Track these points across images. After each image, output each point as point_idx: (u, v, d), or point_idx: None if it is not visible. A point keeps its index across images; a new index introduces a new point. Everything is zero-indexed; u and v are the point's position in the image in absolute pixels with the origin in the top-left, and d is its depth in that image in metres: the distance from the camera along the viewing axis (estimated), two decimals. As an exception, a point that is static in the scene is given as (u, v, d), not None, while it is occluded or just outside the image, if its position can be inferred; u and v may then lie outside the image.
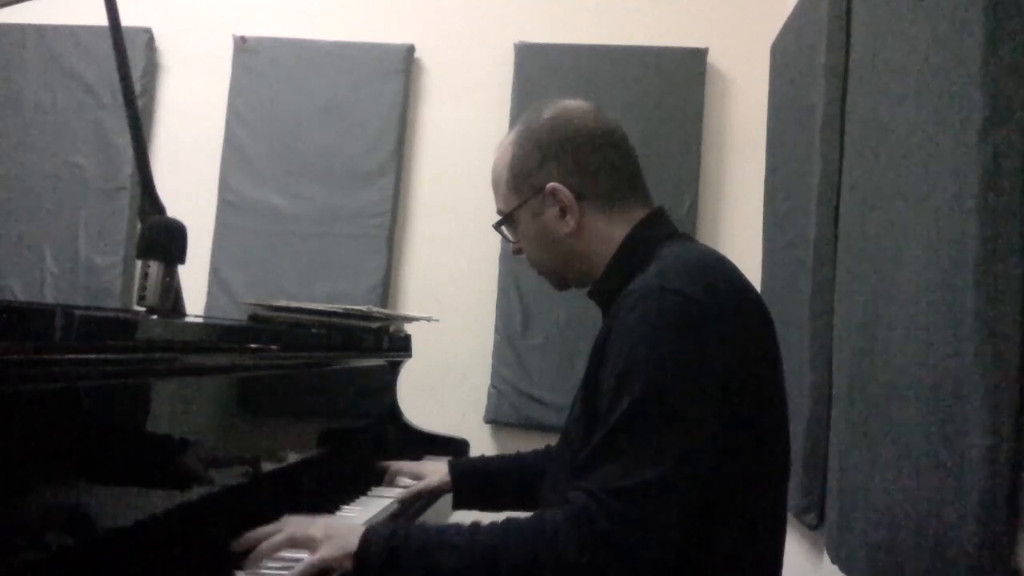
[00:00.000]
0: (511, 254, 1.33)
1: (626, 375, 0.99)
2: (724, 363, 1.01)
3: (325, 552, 1.01)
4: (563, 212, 1.17)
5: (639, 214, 1.19)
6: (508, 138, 1.25)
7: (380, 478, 1.59)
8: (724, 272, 1.09)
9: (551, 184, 1.17)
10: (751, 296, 1.11)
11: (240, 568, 1.04)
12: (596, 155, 1.18)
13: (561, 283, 1.27)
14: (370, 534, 1.01)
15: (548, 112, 1.21)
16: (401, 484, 1.56)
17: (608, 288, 1.16)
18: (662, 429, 0.97)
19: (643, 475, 0.94)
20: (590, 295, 1.24)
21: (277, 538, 1.05)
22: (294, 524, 1.07)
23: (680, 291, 1.01)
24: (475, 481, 1.51)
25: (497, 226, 1.28)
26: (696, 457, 0.98)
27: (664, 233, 1.18)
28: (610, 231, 1.18)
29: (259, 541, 1.05)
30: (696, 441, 0.98)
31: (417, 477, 1.55)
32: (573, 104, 1.22)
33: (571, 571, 0.94)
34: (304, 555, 1.02)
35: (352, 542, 1.00)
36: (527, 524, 0.99)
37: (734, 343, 1.02)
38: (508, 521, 1.01)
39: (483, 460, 1.61)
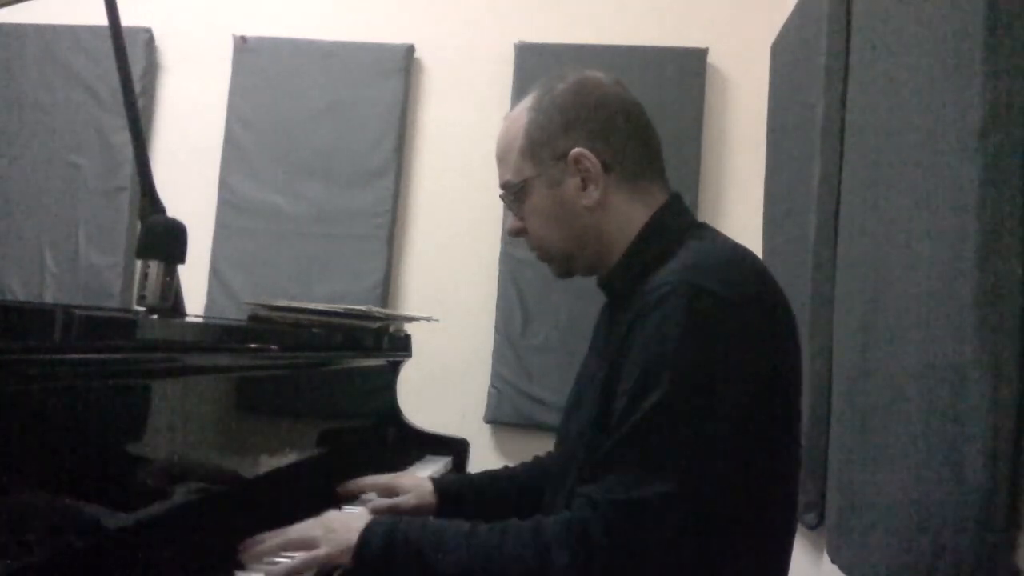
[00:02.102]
0: (508, 235, 1.20)
1: (647, 377, 0.92)
2: (753, 370, 0.94)
3: (324, 549, 1.00)
4: (585, 183, 1.08)
5: (660, 198, 1.10)
6: (522, 104, 1.14)
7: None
8: (754, 271, 1.02)
9: (577, 150, 1.07)
10: (780, 297, 1.03)
11: (240, 568, 1.04)
12: (625, 126, 1.09)
13: (566, 268, 1.16)
14: (369, 531, 1.00)
15: (572, 77, 1.11)
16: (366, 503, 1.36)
17: (626, 277, 1.08)
18: (677, 440, 0.91)
19: (649, 489, 0.89)
20: (601, 284, 1.16)
21: (276, 540, 1.03)
22: (297, 527, 1.06)
23: (712, 290, 0.93)
24: (464, 500, 1.34)
25: (507, 199, 1.15)
26: (710, 473, 0.91)
27: (686, 223, 1.10)
28: (631, 211, 1.09)
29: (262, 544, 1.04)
30: (712, 456, 0.91)
31: (390, 493, 1.36)
32: (597, 73, 1.13)
33: None
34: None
35: (352, 538, 1.00)
36: (524, 528, 0.96)
37: (764, 348, 0.96)
38: (507, 524, 0.98)
39: (471, 477, 1.46)
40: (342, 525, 1.03)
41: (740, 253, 1.04)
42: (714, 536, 0.93)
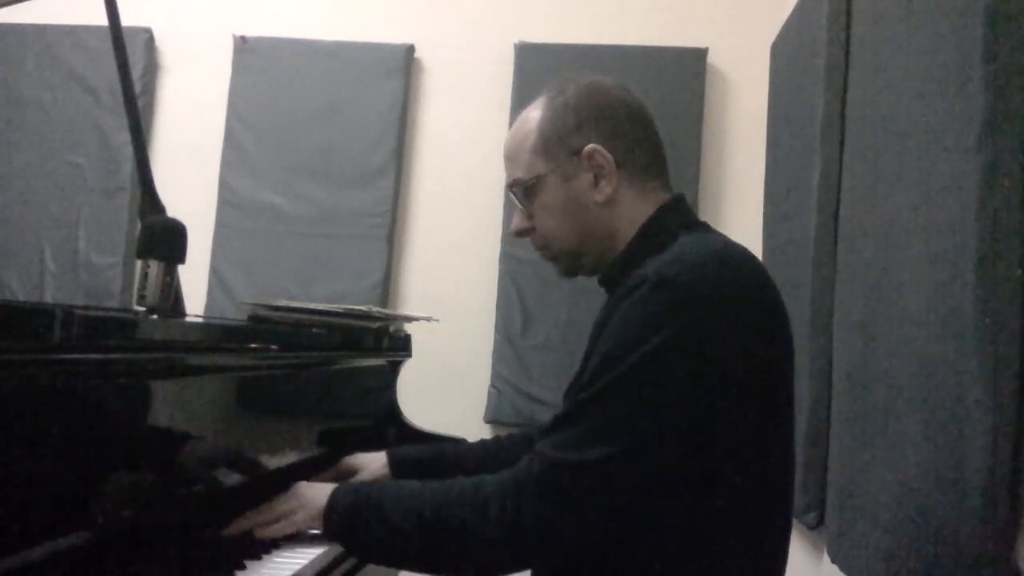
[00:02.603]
0: (513, 235, 1.22)
1: (609, 358, 0.96)
2: (716, 364, 0.96)
3: (299, 517, 1.11)
4: (597, 179, 1.10)
5: (664, 196, 1.14)
6: (532, 105, 1.16)
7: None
8: (743, 268, 1.03)
9: (591, 146, 1.09)
10: (769, 294, 1.04)
11: (241, 568, 1.04)
12: (634, 127, 1.13)
13: (572, 266, 1.18)
14: (335, 495, 1.08)
15: (582, 80, 1.15)
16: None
17: (622, 271, 1.09)
18: (626, 413, 0.94)
19: (590, 452, 0.93)
20: (601, 282, 1.17)
21: (259, 516, 1.13)
22: (274, 502, 1.15)
23: (690, 283, 0.96)
24: (418, 472, 1.38)
25: (517, 196, 1.16)
26: (642, 453, 0.94)
27: (685, 221, 1.12)
28: (638, 208, 1.11)
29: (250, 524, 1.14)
30: (648, 438, 0.94)
31: (350, 472, 1.47)
32: (606, 78, 1.17)
33: (490, 526, 0.95)
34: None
35: (321, 504, 1.08)
36: (467, 484, 1.01)
37: (732, 343, 0.97)
38: (456, 481, 1.03)
39: (426, 450, 1.53)
40: (314, 494, 1.13)
41: (728, 249, 1.05)
42: (709, 516, 0.97)
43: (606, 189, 1.10)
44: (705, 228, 1.13)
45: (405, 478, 1.37)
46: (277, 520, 1.13)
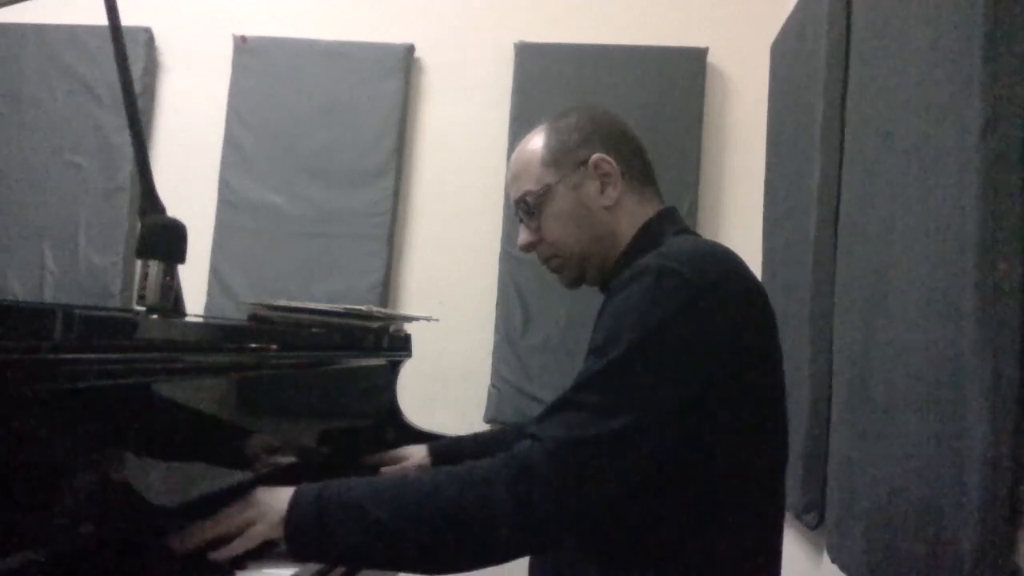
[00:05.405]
0: (521, 250, 1.27)
1: (608, 339, 1.00)
2: (714, 348, 1.00)
3: (260, 526, 0.98)
4: (603, 186, 1.19)
5: (658, 206, 1.23)
6: (535, 130, 1.25)
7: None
8: (728, 262, 1.08)
9: (597, 155, 1.18)
10: (753, 288, 1.08)
11: (241, 568, 1.04)
12: (631, 142, 1.23)
13: (579, 273, 1.24)
14: (297, 495, 0.99)
15: (580, 107, 1.25)
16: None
17: (617, 274, 1.14)
18: (627, 390, 0.97)
19: (600, 427, 0.95)
20: (602, 290, 1.23)
21: (216, 528, 1.00)
22: (229, 511, 1.02)
23: (678, 272, 1.01)
24: (453, 459, 1.41)
25: (525, 210, 1.23)
26: (654, 425, 0.97)
27: (677, 227, 1.20)
28: (637, 212, 1.20)
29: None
30: (657, 411, 0.97)
31: (399, 461, 1.58)
32: (598, 108, 1.27)
33: (500, 512, 0.94)
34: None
35: (282, 509, 0.98)
36: (458, 469, 0.99)
37: (728, 331, 1.01)
38: (439, 470, 1.02)
39: (461, 439, 1.65)
40: (273, 498, 1.01)
41: (713, 247, 1.12)
42: (702, 504, 1.02)
43: (612, 194, 1.18)
44: (695, 234, 1.21)
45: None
46: (233, 533, 0.99)
